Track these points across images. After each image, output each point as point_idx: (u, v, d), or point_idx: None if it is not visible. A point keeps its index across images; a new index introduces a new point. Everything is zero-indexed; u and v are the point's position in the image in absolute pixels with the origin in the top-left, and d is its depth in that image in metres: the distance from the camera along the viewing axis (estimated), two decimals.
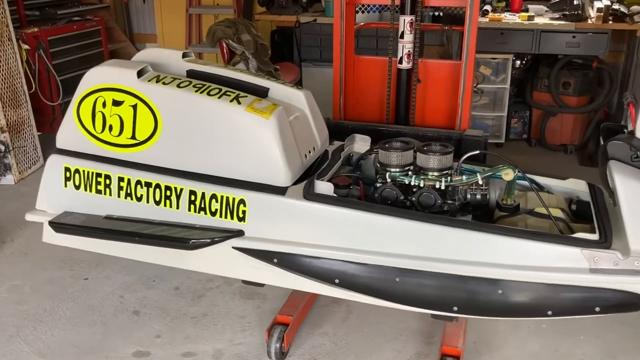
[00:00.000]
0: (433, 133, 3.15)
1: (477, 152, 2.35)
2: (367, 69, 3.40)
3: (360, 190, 2.46)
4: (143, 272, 3.56)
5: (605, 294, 2.05)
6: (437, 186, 2.25)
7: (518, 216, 2.35)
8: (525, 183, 2.58)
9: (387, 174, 2.32)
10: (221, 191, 2.38)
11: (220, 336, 3.05)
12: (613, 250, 2.04)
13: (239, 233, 2.38)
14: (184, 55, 2.77)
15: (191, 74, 2.68)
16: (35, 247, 3.87)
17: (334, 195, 2.29)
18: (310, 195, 2.31)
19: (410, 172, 2.31)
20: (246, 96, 2.43)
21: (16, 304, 3.30)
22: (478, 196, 2.45)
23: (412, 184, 2.27)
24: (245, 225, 2.38)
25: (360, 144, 2.82)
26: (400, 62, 3.22)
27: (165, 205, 2.46)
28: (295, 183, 2.41)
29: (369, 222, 2.24)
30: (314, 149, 2.64)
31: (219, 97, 2.39)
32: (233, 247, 2.39)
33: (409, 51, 3.18)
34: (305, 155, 2.54)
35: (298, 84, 5.29)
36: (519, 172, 2.28)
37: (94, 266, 3.65)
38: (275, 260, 2.35)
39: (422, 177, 2.27)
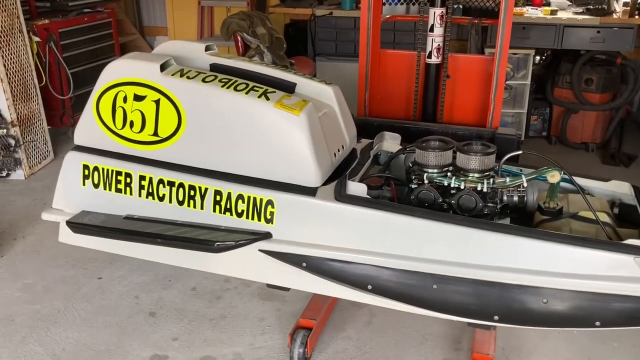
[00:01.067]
0: (464, 131, 3.03)
1: (520, 152, 2.23)
2: (393, 64, 3.28)
3: (392, 191, 2.34)
4: (158, 272, 3.46)
5: None
6: (479, 188, 2.12)
7: (561, 220, 2.23)
8: (564, 185, 2.46)
9: (425, 174, 2.20)
10: (248, 191, 2.26)
11: (240, 339, 2.95)
12: None
13: (267, 235, 2.26)
14: (207, 49, 2.65)
15: (215, 67, 2.56)
16: (47, 245, 3.77)
17: (367, 196, 2.17)
18: (342, 196, 2.19)
19: (449, 173, 2.19)
20: (274, 92, 2.31)
21: (29, 303, 3.20)
22: (515, 198, 2.33)
23: (452, 185, 2.15)
24: (273, 227, 2.26)
25: (390, 142, 2.70)
26: (430, 56, 3.09)
27: (188, 205, 2.34)
28: (324, 183, 2.30)
29: (405, 226, 2.12)
30: (343, 147, 2.52)
31: (247, 93, 2.27)
32: (260, 250, 2.27)
33: (438, 45, 3.05)
34: (335, 154, 2.42)
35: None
36: (564, 174, 2.16)
37: (107, 265, 3.55)
38: (304, 264, 2.24)
39: (462, 178, 2.15)
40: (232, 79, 2.34)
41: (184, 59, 2.59)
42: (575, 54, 5.31)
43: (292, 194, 2.23)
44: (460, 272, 2.07)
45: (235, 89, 2.29)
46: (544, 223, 2.24)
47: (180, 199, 2.35)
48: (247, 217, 2.28)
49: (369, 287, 2.19)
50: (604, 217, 2.20)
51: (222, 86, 2.30)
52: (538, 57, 5.53)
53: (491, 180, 2.12)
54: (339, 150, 2.47)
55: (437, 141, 2.27)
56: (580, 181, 2.50)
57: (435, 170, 2.20)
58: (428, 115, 3.19)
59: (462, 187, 2.14)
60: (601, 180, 2.49)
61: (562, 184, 2.44)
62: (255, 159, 2.28)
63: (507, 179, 2.13)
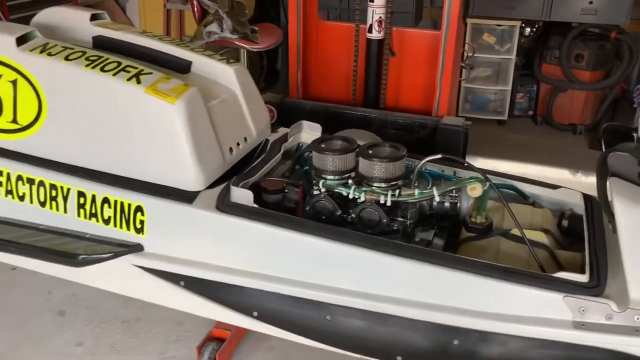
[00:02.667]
0: (405, 119, 2.62)
1: (439, 156, 1.82)
2: (332, 37, 2.85)
3: (299, 196, 1.95)
4: None
5: (593, 355, 1.55)
6: (382, 201, 1.73)
7: (490, 239, 1.84)
8: (508, 190, 2.07)
9: (321, 182, 1.80)
10: (114, 194, 1.89)
11: (150, 347, 2.61)
12: (606, 300, 1.53)
13: (137, 248, 1.90)
14: (94, 17, 2.24)
15: (98, 41, 2.17)
16: None
17: (253, 206, 1.79)
18: (225, 205, 1.81)
19: (350, 181, 1.79)
20: (151, 73, 1.91)
21: None
22: (447, 204, 1.94)
23: (351, 196, 1.76)
24: (144, 238, 1.90)
25: (309, 133, 2.29)
26: (370, 30, 2.65)
27: (51, 207, 1.98)
28: (214, 185, 1.92)
29: (293, 244, 1.74)
30: (246, 139, 2.13)
31: (115, 74, 1.87)
32: (133, 264, 1.91)
33: (380, 17, 2.61)
34: (231, 149, 2.03)
35: (277, 48, 4.72)
36: (490, 184, 1.76)
37: None
38: (182, 283, 1.88)
39: (364, 188, 1.75)
40: (102, 57, 1.94)
41: (67, 29, 2.20)
42: (566, 27, 4.81)
43: (165, 199, 1.85)
44: (357, 303, 1.69)
45: (102, 69, 1.89)
46: (467, 242, 1.85)
47: (42, 199, 1.98)
48: (115, 225, 1.91)
49: (255, 313, 1.83)
50: (539, 237, 1.81)
51: (87, 65, 1.89)
52: (529, 29, 5.03)
53: (397, 191, 1.72)
54: (238, 145, 2.07)
55: (340, 141, 1.87)
56: (526, 187, 2.10)
57: (334, 177, 1.80)
58: (370, 99, 2.77)
59: (362, 199, 1.75)
60: (549, 187, 2.08)
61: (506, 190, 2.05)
62: (124, 154, 1.90)
63: (416, 191, 1.73)
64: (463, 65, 3.58)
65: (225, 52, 5.40)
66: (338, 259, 1.71)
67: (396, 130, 2.60)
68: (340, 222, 1.83)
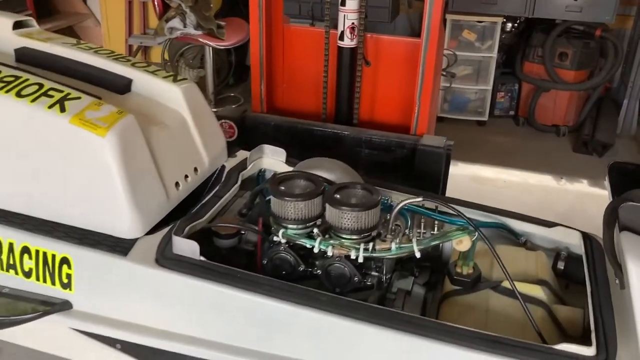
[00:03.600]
0: (380, 138, 2.34)
1: (419, 198, 1.54)
2: (300, 44, 2.54)
3: (258, 245, 1.65)
4: None
5: None
6: (353, 256, 1.45)
7: (478, 293, 1.59)
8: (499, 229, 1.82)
9: (281, 231, 1.52)
10: (35, 243, 1.59)
11: None
12: None
13: (64, 306, 1.60)
14: (18, 25, 1.92)
15: (22, 54, 1.85)
16: None
17: (200, 259, 1.50)
18: (166, 258, 1.52)
19: (316, 231, 1.50)
20: (79, 98, 1.60)
21: None
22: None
23: (317, 250, 1.48)
24: (73, 295, 1.60)
25: (271, 159, 2.00)
26: (342, 38, 2.36)
27: None
28: (157, 228, 1.62)
29: (247, 306, 1.46)
30: (197, 170, 1.84)
31: (33, 100, 1.56)
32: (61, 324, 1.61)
33: (352, 24, 2.32)
34: (178, 183, 1.74)
35: (245, 45, 4.39)
36: (479, 234, 1.49)
37: None
38: (118, 346, 1.59)
39: (331, 241, 1.47)
40: (20, 78, 1.62)
41: None
42: (550, 23, 4.58)
43: (95, 250, 1.55)
44: None
45: (18, 93, 1.57)
46: (452, 297, 1.59)
47: None
48: (38, 279, 1.61)
49: None
50: (536, 292, 1.56)
51: (1, 89, 1.58)
52: (510, 24, 4.79)
53: (370, 245, 1.45)
54: (187, 178, 1.78)
55: (303, 180, 1.58)
56: (517, 225, 1.84)
57: (296, 227, 1.52)
58: (342, 114, 2.49)
59: (329, 253, 1.47)
60: (544, 224, 1.83)
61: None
62: (48, 195, 1.60)
63: (394, 246, 1.45)
64: (444, 73, 3.31)
65: (188, 48, 5.07)
66: (298, 326, 1.44)
67: (371, 149, 2.33)
68: (305, 277, 1.55)
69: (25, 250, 1.60)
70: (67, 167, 1.57)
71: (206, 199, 1.78)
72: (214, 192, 1.82)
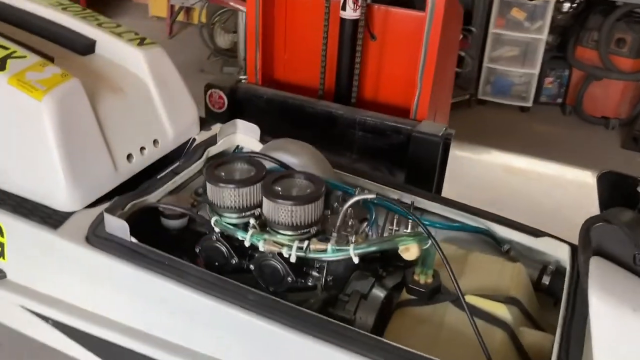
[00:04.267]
0: (375, 120, 2.15)
1: (372, 195, 1.36)
2: (303, 13, 2.36)
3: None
4: None
5: None
6: (286, 255, 1.30)
7: (435, 305, 1.41)
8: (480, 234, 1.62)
9: (214, 219, 1.38)
10: None
11: None
12: None
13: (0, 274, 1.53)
14: None
15: None
16: None
17: (132, 240, 1.39)
18: (96, 236, 1.41)
19: (252, 222, 1.36)
20: (24, 57, 1.50)
21: None
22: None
23: (248, 244, 1.33)
24: (6, 263, 1.53)
25: (244, 136, 1.86)
26: (344, 7, 2.17)
27: None
28: (101, 203, 1.52)
29: (172, 297, 1.34)
30: (157, 142, 1.72)
31: None
32: None
33: None
34: (131, 155, 1.63)
35: None
36: (432, 242, 1.31)
37: None
38: (50, 322, 1.51)
39: (265, 236, 1.32)
40: None
41: None
42: (610, 5, 4.18)
43: (27, 220, 1.47)
44: None
45: None
46: (405, 307, 1.42)
47: None
48: None
49: None
50: (501, 311, 1.37)
51: None
52: (568, 4, 4.42)
53: (305, 244, 1.29)
54: (143, 150, 1.67)
55: (245, 164, 1.43)
56: (502, 230, 1.64)
57: (231, 215, 1.38)
58: (341, 91, 2.31)
59: (262, 248, 1.32)
60: (531, 234, 1.62)
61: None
62: None
63: (330, 247, 1.28)
64: (462, 53, 3.05)
65: (224, 12, 4.95)
66: (222, 324, 1.31)
67: (365, 132, 2.15)
68: (244, 270, 1.42)
69: None
70: (4, 130, 1.49)
71: (162, 174, 1.66)
72: (172, 167, 1.69)
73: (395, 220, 1.64)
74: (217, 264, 1.42)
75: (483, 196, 3.63)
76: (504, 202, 3.48)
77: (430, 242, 1.29)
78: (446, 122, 2.48)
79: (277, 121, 2.25)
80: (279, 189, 1.32)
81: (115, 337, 1.40)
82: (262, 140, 1.86)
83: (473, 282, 1.48)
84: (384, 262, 1.58)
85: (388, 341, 1.21)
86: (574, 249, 1.56)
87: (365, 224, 1.58)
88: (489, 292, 1.44)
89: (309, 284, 1.38)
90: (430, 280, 1.41)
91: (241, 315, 1.27)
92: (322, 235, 1.36)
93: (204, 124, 1.93)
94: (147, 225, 1.53)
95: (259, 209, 1.37)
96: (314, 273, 1.38)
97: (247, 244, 1.33)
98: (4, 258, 1.52)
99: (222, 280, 1.32)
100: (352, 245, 1.26)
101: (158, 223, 1.57)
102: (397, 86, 2.27)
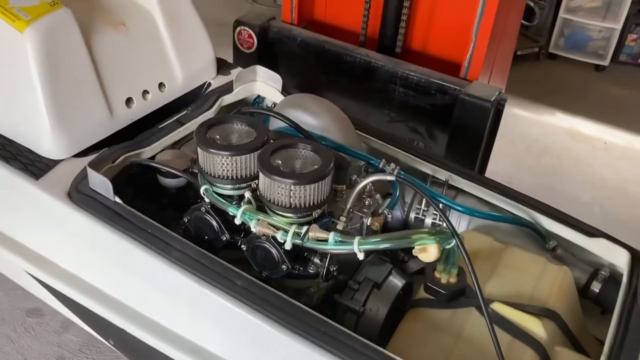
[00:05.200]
0: (419, 76, 1.89)
1: (391, 177, 1.12)
2: None
3: None
4: None
5: None
6: (280, 239, 1.10)
7: (456, 310, 1.19)
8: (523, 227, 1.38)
9: (204, 188, 1.19)
10: None
11: None
12: None
13: None
14: None
15: None
16: None
17: (115, 200, 1.22)
18: (78, 192, 1.25)
19: (248, 196, 1.15)
20: None
21: None
22: (427, 221, 1.30)
23: (238, 222, 1.13)
24: None
25: (265, 85, 1.64)
26: None
27: None
28: (92, 151, 1.36)
29: (151, 270, 1.18)
30: (163, 86, 1.53)
31: None
32: None
33: None
34: (130, 100, 1.44)
35: None
36: (457, 241, 1.07)
37: None
38: (27, 271, 1.39)
39: (260, 215, 1.12)
40: None
41: None
42: None
43: (6, 164, 1.32)
44: None
45: None
46: (420, 308, 1.21)
47: None
48: None
49: (110, 341, 1.33)
50: (533, 325, 1.14)
51: None
52: None
53: (304, 231, 1.08)
54: (145, 94, 1.48)
55: (245, 126, 1.21)
56: (549, 224, 1.38)
57: (225, 185, 1.17)
58: (385, 39, 2.03)
59: (254, 229, 1.12)
60: (584, 232, 1.36)
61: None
62: None
63: (332, 237, 1.06)
64: (531, 3, 2.67)
65: None
66: (204, 307, 1.14)
67: (406, 89, 1.89)
68: (227, 247, 1.23)
69: None
70: None
71: (164, 123, 1.47)
72: (177, 116, 1.50)
73: (424, 200, 1.42)
74: (206, 238, 1.24)
75: (538, 162, 3.33)
76: (561, 171, 3.18)
77: (453, 242, 1.06)
78: (503, 84, 2.18)
79: (309, 68, 2.01)
80: (279, 162, 1.11)
81: (89, 303, 1.26)
82: (285, 91, 1.64)
83: (505, 285, 1.25)
84: None
85: (389, 354, 1.01)
86: (634, 255, 1.30)
87: (388, 201, 1.36)
88: (523, 300, 1.21)
89: (310, 271, 1.19)
90: (453, 280, 1.19)
91: (225, 302, 1.10)
92: (328, 217, 1.15)
93: (223, 67, 1.73)
94: (146, 179, 1.37)
95: (256, 181, 1.17)
96: (316, 260, 1.18)
97: (237, 221, 1.14)
98: None
99: (208, 258, 1.14)
100: (357, 239, 1.04)
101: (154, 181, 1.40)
102: (448, 38, 1.98)
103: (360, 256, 1.05)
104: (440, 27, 1.98)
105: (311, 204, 1.10)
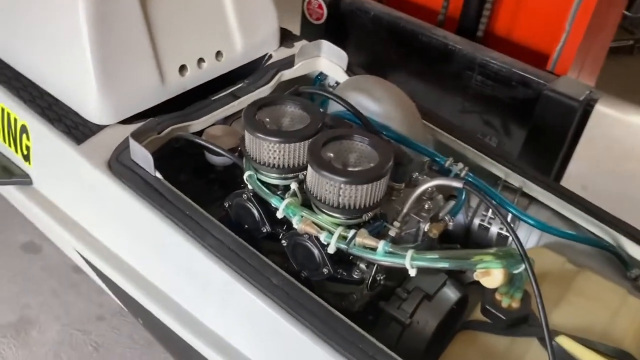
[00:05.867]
0: (500, 65, 1.71)
1: (458, 184, 0.97)
2: None
3: None
4: None
5: None
6: (323, 241, 0.98)
7: (514, 338, 1.05)
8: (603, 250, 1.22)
9: (247, 174, 1.08)
10: (3, 100, 1.34)
11: None
12: None
13: (25, 179, 1.36)
14: None
15: None
16: None
17: (156, 176, 1.15)
18: (119, 163, 1.18)
19: (294, 188, 1.04)
20: None
21: None
22: (492, 229, 1.16)
23: (281, 215, 1.02)
24: (32, 170, 1.35)
25: (329, 62, 1.52)
26: None
27: None
28: (139, 119, 1.29)
29: (185, 256, 1.10)
30: (220, 55, 1.43)
31: None
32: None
33: None
34: (185, 67, 1.36)
35: None
36: (527, 266, 0.93)
37: None
38: (61, 235, 1.35)
39: (304, 212, 1.00)
40: None
41: None
42: None
43: (51, 126, 1.26)
44: None
45: None
46: (472, 331, 1.07)
47: None
48: (5, 141, 1.39)
49: (140, 320, 1.27)
50: None
51: None
52: None
53: (350, 235, 0.96)
54: (201, 62, 1.39)
55: (299, 109, 1.09)
56: (634, 250, 1.21)
57: (270, 174, 1.06)
58: (466, 21, 1.86)
59: (296, 226, 1.01)
60: None
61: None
62: (28, 50, 1.34)
63: (382, 246, 0.93)
64: None
65: None
66: (235, 303, 1.05)
67: (485, 77, 1.72)
68: (270, 238, 1.13)
69: None
70: (41, 18, 1.26)
71: (217, 95, 1.38)
72: (232, 89, 1.40)
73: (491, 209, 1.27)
74: (245, 226, 1.14)
75: (622, 167, 3.04)
76: None
77: (522, 267, 0.92)
78: (593, 81, 1.96)
79: (379, 45, 1.87)
80: (331, 154, 0.99)
81: (119, 279, 1.20)
82: (350, 71, 1.51)
83: (575, 316, 1.10)
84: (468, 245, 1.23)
85: None
86: None
87: (451, 205, 1.22)
88: (594, 336, 1.06)
89: (354, 276, 1.07)
90: (516, 305, 1.05)
91: (257, 299, 1.01)
92: (380, 221, 1.03)
93: (287, 38, 1.61)
94: (193, 153, 1.29)
95: (304, 172, 1.06)
96: (362, 265, 1.07)
97: (279, 215, 1.03)
98: (29, 163, 1.35)
99: (245, 250, 1.05)
100: (409, 253, 0.91)
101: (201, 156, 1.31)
102: (538, 25, 1.78)
103: (412, 272, 0.93)
104: (530, 12, 1.79)
105: (362, 206, 0.98)
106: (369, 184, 0.95)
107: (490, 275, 0.90)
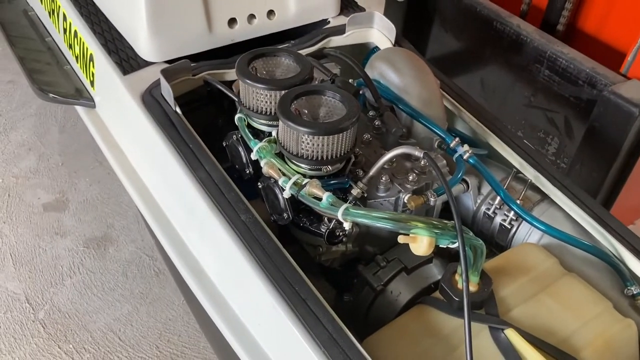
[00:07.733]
0: (569, 61, 1.61)
1: (418, 152, 0.94)
2: None
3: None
4: None
5: None
6: (282, 186, 1.02)
7: (468, 323, 1.03)
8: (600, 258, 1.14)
9: (237, 115, 1.13)
10: (82, 30, 1.54)
11: None
12: None
13: (89, 102, 1.55)
14: None
15: None
16: None
17: (176, 111, 1.27)
18: (150, 96, 1.32)
19: (274, 134, 1.07)
20: None
21: None
22: (497, 219, 1.15)
23: (255, 158, 1.07)
24: (95, 94, 1.54)
25: (380, 33, 1.54)
26: None
27: (53, 21, 1.73)
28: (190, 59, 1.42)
29: (180, 186, 1.21)
30: (272, 14, 1.51)
31: None
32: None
33: None
34: (234, 20, 1.46)
35: None
36: (460, 242, 0.89)
37: None
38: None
39: (270, 157, 1.04)
40: None
41: None
42: None
43: (108, 55, 1.43)
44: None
45: None
46: (426, 304, 1.06)
47: (48, 9, 1.74)
48: (80, 66, 1.59)
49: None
50: None
51: None
52: None
53: (303, 182, 0.98)
54: (252, 18, 1.48)
55: (289, 59, 1.13)
56: (635, 265, 1.11)
57: (257, 119, 1.11)
58: (549, 14, 1.76)
59: (263, 167, 1.06)
60: None
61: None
62: None
63: (326, 197, 0.94)
64: None
65: None
66: (208, 231, 1.14)
67: (552, 72, 1.62)
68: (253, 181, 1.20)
69: (76, 34, 1.57)
70: None
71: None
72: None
73: (498, 198, 1.23)
74: (237, 168, 1.22)
75: None
76: None
77: (456, 244, 0.90)
78: None
79: (457, 30, 1.83)
80: (303, 107, 1.03)
81: (139, 204, 1.33)
82: (397, 44, 1.52)
83: (540, 316, 1.05)
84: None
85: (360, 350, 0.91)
86: None
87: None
88: (553, 340, 1.01)
89: (322, 229, 1.11)
90: (474, 289, 1.03)
91: (223, 231, 1.08)
92: (346, 179, 1.06)
93: (350, 7, 1.65)
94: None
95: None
96: (326, 219, 1.10)
97: (253, 157, 1.10)
98: (93, 88, 1.54)
99: (227, 185, 1.13)
100: (344, 206, 0.93)
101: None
102: (621, 23, 1.64)
103: (346, 225, 0.95)
104: (613, 9, 1.65)
105: (322, 157, 1.01)
106: (328, 136, 0.98)
107: (417, 242, 0.90)
